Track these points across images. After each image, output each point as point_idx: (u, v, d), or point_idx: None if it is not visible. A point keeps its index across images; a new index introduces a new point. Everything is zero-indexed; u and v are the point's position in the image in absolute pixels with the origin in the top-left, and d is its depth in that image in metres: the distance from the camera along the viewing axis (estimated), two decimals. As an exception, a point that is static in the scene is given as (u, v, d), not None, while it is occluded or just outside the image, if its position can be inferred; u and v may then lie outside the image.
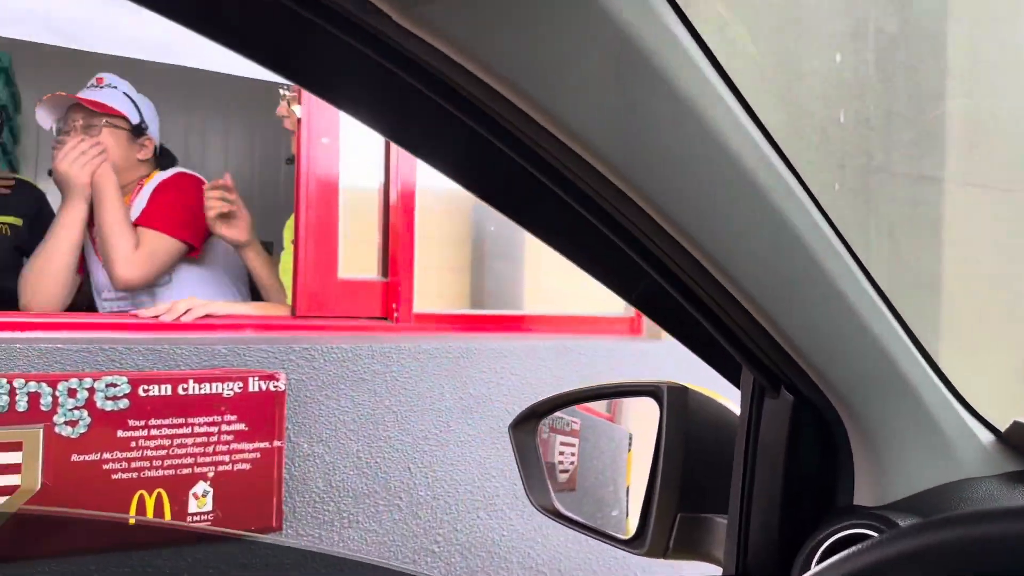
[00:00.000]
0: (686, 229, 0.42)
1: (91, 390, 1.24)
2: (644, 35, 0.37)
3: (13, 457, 1.19)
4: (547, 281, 2.28)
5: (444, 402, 1.58)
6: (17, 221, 2.29)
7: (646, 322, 2.01)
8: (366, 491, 1.49)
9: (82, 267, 1.89)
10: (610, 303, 2.10)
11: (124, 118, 1.94)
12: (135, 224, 1.81)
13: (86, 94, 1.92)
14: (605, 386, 1.01)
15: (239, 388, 1.35)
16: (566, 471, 1.01)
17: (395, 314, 1.72)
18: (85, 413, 1.23)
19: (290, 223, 2.01)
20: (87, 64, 1.96)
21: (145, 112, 2.02)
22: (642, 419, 1.14)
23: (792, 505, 0.52)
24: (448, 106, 0.46)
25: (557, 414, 0.93)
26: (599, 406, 1.11)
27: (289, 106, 1.81)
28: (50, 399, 1.22)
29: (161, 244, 1.82)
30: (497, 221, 2.25)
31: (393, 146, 1.74)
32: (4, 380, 1.19)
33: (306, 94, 1.66)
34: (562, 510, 0.76)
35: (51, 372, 1.24)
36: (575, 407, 0.99)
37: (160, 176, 1.98)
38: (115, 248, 1.74)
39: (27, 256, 1.98)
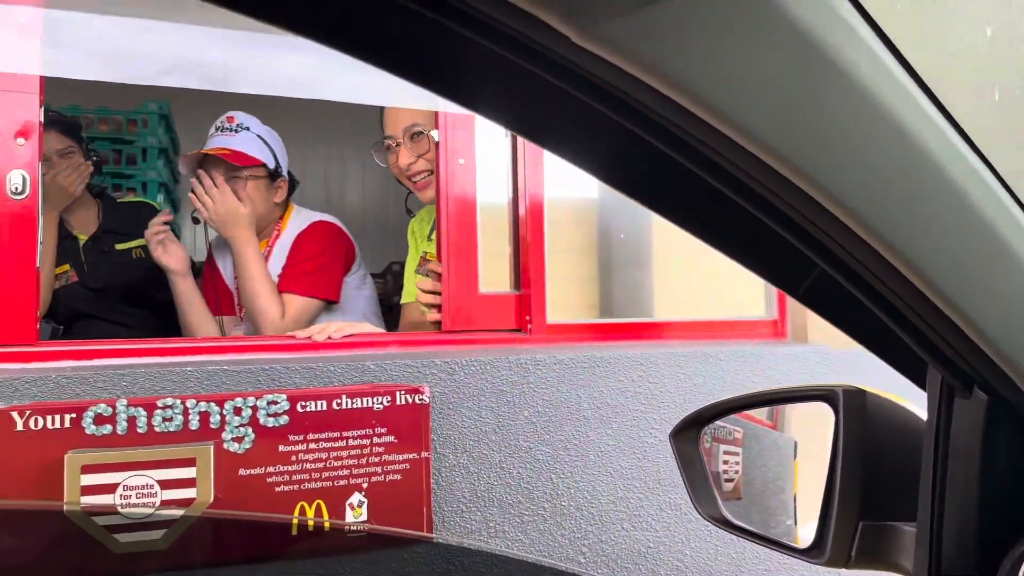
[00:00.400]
0: (869, 222, 0.40)
1: (254, 408, 1.32)
2: (820, 27, 0.36)
3: (188, 472, 1.28)
4: (678, 287, 2.23)
5: (582, 412, 1.58)
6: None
7: (791, 324, 1.93)
8: (511, 501, 1.51)
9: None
10: (749, 306, 2.03)
11: (262, 165, 2.02)
12: (279, 289, 1.94)
13: (222, 141, 2.00)
14: (773, 392, 0.98)
15: (387, 402, 1.40)
16: (731, 480, 0.99)
17: (528, 326, 1.74)
18: (250, 430, 1.32)
19: (413, 253, 2.08)
20: (236, 104, 2.10)
21: (277, 151, 2.08)
22: (808, 426, 1.09)
23: (990, 512, 0.48)
24: (618, 117, 0.46)
25: (718, 423, 0.90)
26: (760, 413, 1.07)
27: (394, 157, 1.88)
28: (218, 417, 1.31)
29: (306, 308, 1.95)
30: (626, 229, 2.23)
31: (520, 160, 1.77)
32: (179, 401, 1.29)
33: (441, 116, 1.72)
34: (732, 519, 0.74)
35: (219, 392, 1.33)
36: (736, 415, 0.97)
37: (297, 224, 2.08)
38: (263, 316, 1.89)
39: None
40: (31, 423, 1.21)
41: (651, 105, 0.44)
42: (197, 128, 3.86)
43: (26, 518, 1.23)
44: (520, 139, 1.77)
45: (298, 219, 2.12)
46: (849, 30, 0.37)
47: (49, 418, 1.22)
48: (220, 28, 1.69)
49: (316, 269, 1.99)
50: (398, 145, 1.88)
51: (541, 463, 1.53)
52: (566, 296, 2.09)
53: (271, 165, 2.03)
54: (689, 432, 0.98)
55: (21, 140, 1.35)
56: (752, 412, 1.08)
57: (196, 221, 2.07)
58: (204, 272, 2.26)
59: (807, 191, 0.42)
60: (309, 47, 1.82)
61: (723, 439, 0.99)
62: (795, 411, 1.17)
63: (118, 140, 3.34)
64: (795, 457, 1.12)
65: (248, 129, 2.03)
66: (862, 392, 0.57)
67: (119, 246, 2.45)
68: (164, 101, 3.40)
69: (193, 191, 1.96)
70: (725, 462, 0.97)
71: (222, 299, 2.13)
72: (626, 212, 2.12)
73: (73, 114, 3.22)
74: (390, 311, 3.95)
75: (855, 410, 0.56)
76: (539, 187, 1.77)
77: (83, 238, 2.40)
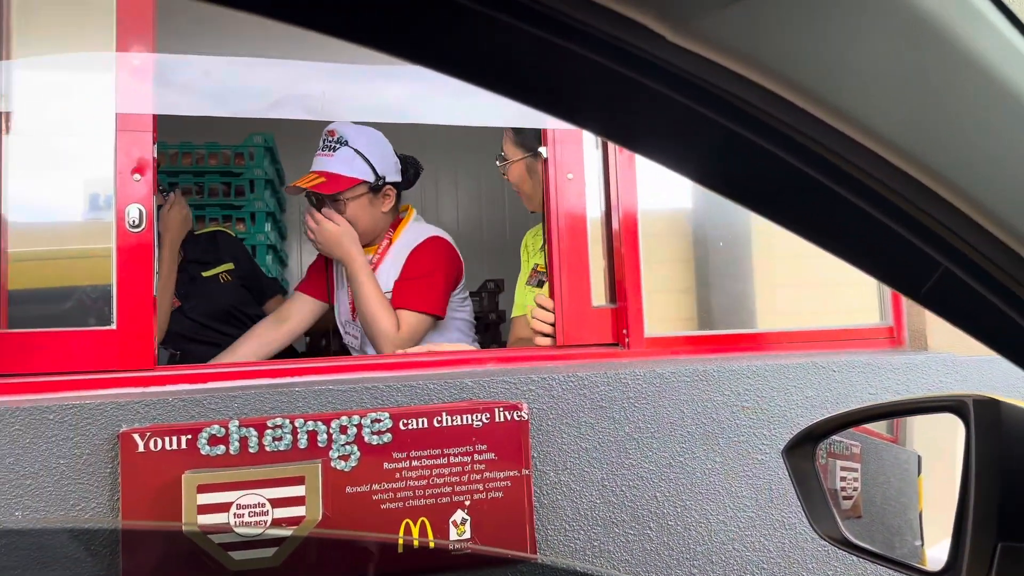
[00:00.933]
0: (1005, 218, 0.36)
1: (359, 426, 1.35)
2: (941, 11, 0.33)
3: (298, 490, 1.31)
4: (781, 296, 2.14)
5: (686, 427, 1.53)
6: (230, 265, 2.66)
7: (908, 331, 1.82)
8: (614, 519, 1.47)
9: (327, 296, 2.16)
10: (861, 313, 1.92)
11: (362, 182, 2.05)
12: (394, 305, 2.01)
13: (321, 164, 2.06)
14: (896, 403, 0.92)
15: (487, 419, 1.40)
16: (849, 497, 0.94)
17: (626, 339, 1.70)
18: (355, 448, 1.34)
19: (525, 266, 2.09)
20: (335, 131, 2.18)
21: (377, 161, 2.08)
22: (933, 439, 1.02)
23: None
24: (720, 117, 0.44)
25: (834, 437, 0.85)
26: (879, 427, 1.01)
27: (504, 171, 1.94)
28: (325, 436, 1.34)
29: (420, 323, 2.02)
30: (723, 238, 2.16)
31: (612, 171, 1.75)
32: (287, 420, 1.33)
33: (549, 133, 1.72)
34: (853, 539, 0.69)
35: (325, 411, 1.36)
36: (852, 429, 0.91)
37: (412, 236, 2.14)
38: (380, 332, 1.96)
39: (251, 290, 2.51)
40: (151, 444, 1.27)
41: (756, 103, 0.42)
42: (300, 157, 4.03)
43: (150, 538, 1.30)
44: (611, 150, 1.75)
45: (413, 230, 2.16)
46: (978, 14, 0.34)
47: (167, 439, 1.28)
48: (318, 62, 1.75)
49: (430, 286, 2.04)
50: (511, 162, 1.97)
51: (645, 481, 1.49)
52: (663, 308, 2.04)
53: (370, 179, 2.05)
54: (803, 448, 0.94)
55: (137, 176, 1.44)
56: (870, 425, 1.03)
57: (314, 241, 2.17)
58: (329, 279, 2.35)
59: (933, 188, 0.40)
60: (401, 75, 1.88)
61: (840, 454, 0.95)
62: (917, 424, 1.09)
63: (227, 173, 3.52)
64: (919, 473, 1.06)
65: (346, 143, 2.05)
66: (995, 402, 0.52)
67: (205, 273, 2.62)
68: (268, 134, 3.57)
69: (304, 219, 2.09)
70: (843, 478, 0.94)
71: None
72: (722, 221, 2.06)
73: (186, 150, 3.42)
74: (486, 329, 3.99)
75: (988, 421, 0.51)
76: (632, 198, 1.74)
77: None
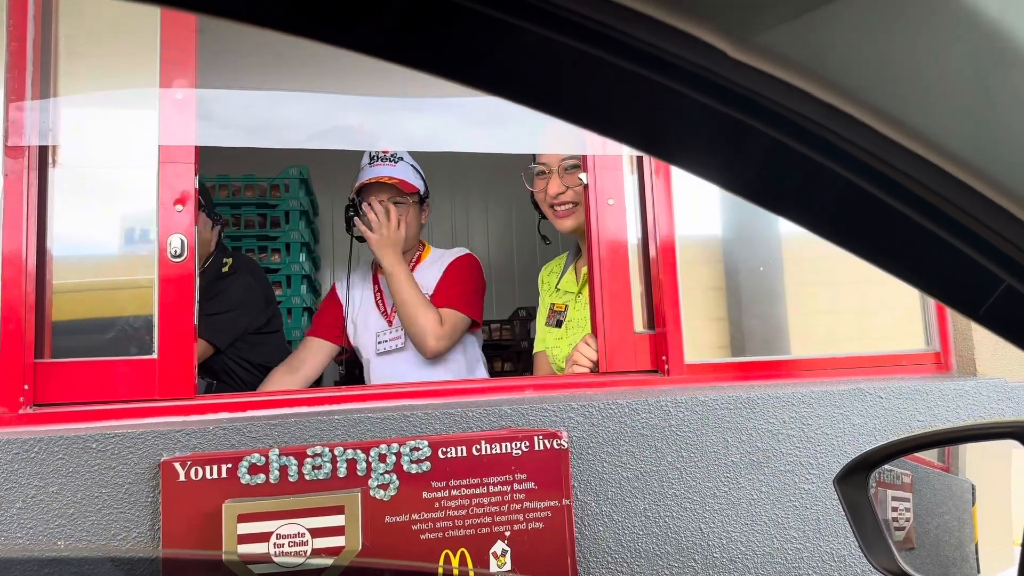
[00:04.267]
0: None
1: (398, 454, 1.34)
2: (1018, 26, 0.32)
3: (337, 520, 1.30)
4: (817, 321, 2.10)
5: (730, 457, 1.49)
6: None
7: (955, 356, 1.77)
8: (658, 552, 1.44)
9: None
10: (904, 338, 1.87)
11: (417, 192, 2.19)
12: (437, 304, 2.12)
13: (386, 171, 2.17)
14: (951, 430, 0.90)
15: (526, 447, 1.38)
16: (901, 528, 0.91)
17: (666, 366, 1.68)
18: (394, 476, 1.33)
19: (543, 304, 2.08)
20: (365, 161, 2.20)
21: (424, 178, 2.27)
22: (987, 466, 0.99)
23: None
24: (777, 134, 0.43)
25: (885, 466, 0.83)
26: (930, 455, 0.98)
27: (543, 183, 1.91)
28: (364, 465, 1.33)
29: (461, 322, 2.14)
30: (757, 263, 2.13)
31: (648, 196, 1.73)
32: (327, 449, 1.32)
33: (589, 159, 1.72)
34: (911, 571, 0.66)
35: (364, 439, 1.35)
36: (904, 458, 0.89)
37: (440, 256, 2.27)
38: (425, 327, 2.06)
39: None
40: (192, 473, 1.27)
41: (816, 118, 0.41)
42: (334, 189, 4.08)
43: (191, 567, 1.29)
44: (647, 175, 1.73)
45: (439, 253, 2.31)
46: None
47: (208, 468, 1.28)
48: (355, 96, 1.78)
49: (470, 292, 2.17)
50: (550, 172, 1.91)
51: (689, 512, 1.46)
52: (698, 335, 2.01)
53: (422, 191, 2.23)
54: (856, 477, 0.91)
55: (180, 207, 1.46)
56: (922, 453, 1.00)
57: (361, 240, 2.21)
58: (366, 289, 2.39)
59: (1000, 202, 0.38)
60: (434, 106, 1.90)
61: (890, 484, 0.92)
62: (970, 451, 1.06)
63: (263, 205, 3.57)
64: (974, 502, 1.02)
65: (403, 159, 2.21)
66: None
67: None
68: (304, 166, 3.62)
69: (356, 215, 2.15)
70: (894, 508, 0.91)
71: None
72: (753, 247, 2.03)
73: (223, 182, 3.48)
74: (519, 357, 3.97)
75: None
76: (669, 223, 1.72)
77: None
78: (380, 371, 2.23)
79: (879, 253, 0.55)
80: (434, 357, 2.11)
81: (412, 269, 2.23)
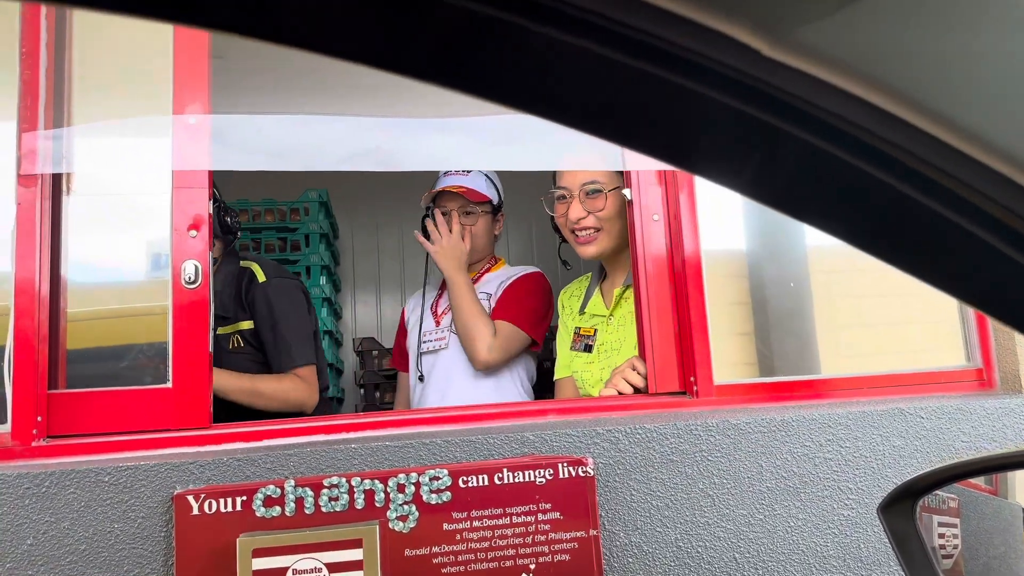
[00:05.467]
0: None
1: (417, 484, 1.29)
2: None
3: (355, 554, 1.25)
4: (848, 338, 2.03)
5: (764, 483, 1.43)
6: (248, 324, 2.17)
7: (999, 373, 1.69)
8: (691, 584, 1.37)
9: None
10: (943, 354, 1.80)
11: (489, 202, 2.16)
12: (494, 317, 2.08)
13: (456, 180, 2.15)
14: (1001, 456, 0.85)
15: (550, 475, 1.33)
16: (949, 556, 0.87)
17: (694, 387, 1.61)
18: (414, 507, 1.28)
19: (564, 328, 2.03)
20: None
21: (500, 189, 2.23)
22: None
23: None
24: (815, 139, 0.40)
25: (932, 491, 0.78)
26: (977, 478, 0.93)
27: (564, 208, 1.87)
28: (383, 495, 1.28)
29: (515, 336, 2.08)
30: (790, 275, 2.07)
31: (673, 209, 1.68)
32: (344, 480, 1.28)
33: (633, 174, 1.68)
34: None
35: (382, 469, 1.31)
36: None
37: (510, 271, 2.23)
38: (478, 336, 2.02)
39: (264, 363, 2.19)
40: (205, 507, 1.23)
41: (860, 122, 0.38)
42: (354, 212, 4.08)
43: (203, 603, 1.25)
44: (674, 189, 1.68)
45: (510, 268, 2.27)
46: None
47: (222, 501, 1.24)
48: (373, 118, 1.75)
49: (530, 310, 2.11)
50: (571, 197, 1.85)
51: (722, 541, 1.39)
52: (725, 353, 1.94)
53: (495, 201, 2.19)
54: (902, 504, 0.87)
55: (193, 232, 1.44)
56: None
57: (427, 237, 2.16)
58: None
59: None
60: (455, 127, 1.87)
61: (936, 509, 0.87)
62: (1020, 474, 1.01)
63: (283, 228, 3.56)
64: None
65: (476, 169, 2.18)
66: None
67: (220, 330, 2.13)
68: (323, 189, 3.61)
69: (424, 224, 2.14)
70: (941, 535, 0.87)
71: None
72: (778, 260, 1.97)
73: (243, 207, 3.48)
74: (540, 375, 3.91)
75: None
76: (695, 238, 1.67)
77: None
78: (428, 371, 2.18)
79: (928, 266, 0.51)
80: (484, 369, 2.05)
81: (477, 280, 2.20)
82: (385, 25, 0.37)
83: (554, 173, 1.97)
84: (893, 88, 0.34)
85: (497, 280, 2.20)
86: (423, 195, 2.21)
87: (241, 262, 2.19)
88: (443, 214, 2.13)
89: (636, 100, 0.43)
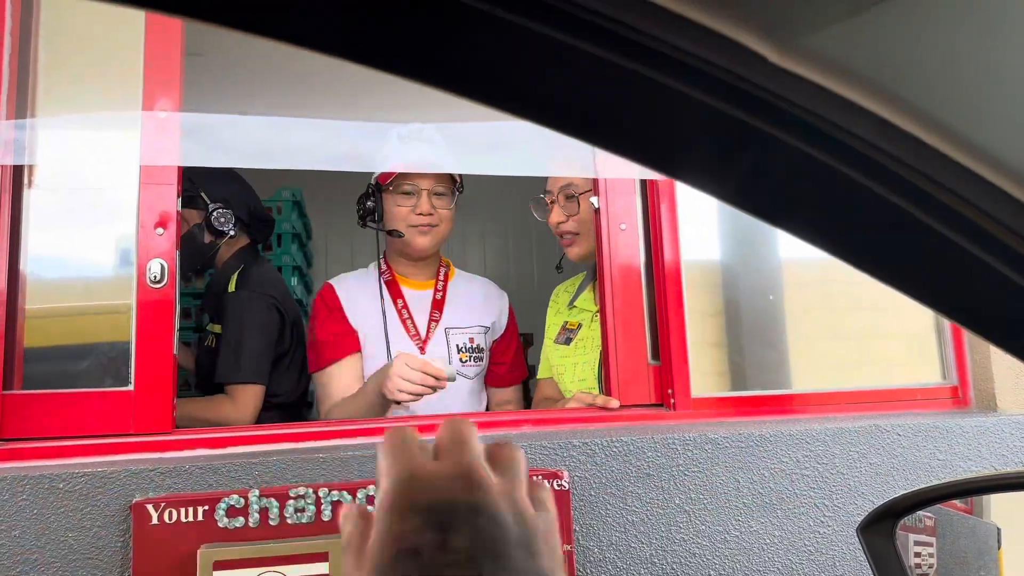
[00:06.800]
0: None
1: (387, 496, 1.25)
2: None
3: (321, 567, 1.21)
4: (820, 352, 2.02)
5: (741, 498, 1.41)
6: (218, 328, 2.13)
7: (974, 391, 1.69)
8: (665, 601, 1.34)
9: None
10: (917, 370, 1.79)
11: (458, 181, 1.95)
12: (508, 378, 2.00)
13: (426, 152, 1.87)
14: (979, 479, 0.85)
15: (525, 489, 1.29)
16: (925, 575, 0.86)
17: (672, 400, 1.59)
18: (383, 520, 1.24)
19: (551, 324, 1.99)
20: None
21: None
22: (1012, 511, 0.93)
23: None
24: (819, 154, 0.38)
25: (908, 509, 0.78)
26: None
27: (545, 214, 1.84)
28: (351, 506, 1.24)
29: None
30: (764, 287, 2.06)
31: (660, 220, 1.66)
32: (310, 490, 1.24)
33: (601, 181, 1.66)
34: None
35: (351, 480, 1.27)
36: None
37: (482, 285, 2.06)
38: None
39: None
40: (165, 516, 1.18)
41: (867, 136, 0.35)
42: (327, 211, 4.02)
43: (160, 617, 1.20)
44: (656, 198, 1.66)
45: (470, 277, 2.03)
46: None
47: (183, 510, 1.19)
48: (350, 121, 1.71)
49: (516, 353, 2.02)
50: (553, 203, 1.84)
51: (698, 558, 1.37)
52: (701, 364, 1.93)
53: (457, 181, 1.88)
54: (881, 525, 0.87)
55: (160, 230, 1.39)
56: (947, 496, 0.95)
57: (393, 234, 1.85)
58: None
59: None
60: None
61: (912, 528, 0.87)
62: (995, 495, 1.02)
63: (255, 228, 3.49)
64: (999, 546, 0.96)
65: (434, 139, 1.84)
66: None
67: (208, 326, 2.16)
68: (297, 188, 3.55)
69: (363, 205, 1.87)
70: (917, 554, 0.88)
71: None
72: (752, 271, 1.95)
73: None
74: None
75: None
76: (675, 250, 1.65)
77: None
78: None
79: (914, 281, 0.50)
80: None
81: (443, 296, 1.91)
82: (376, 17, 0.34)
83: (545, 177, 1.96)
84: (899, 97, 0.32)
85: (467, 293, 1.94)
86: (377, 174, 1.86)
87: (243, 267, 2.16)
88: (407, 193, 1.80)
89: (631, 104, 0.41)
